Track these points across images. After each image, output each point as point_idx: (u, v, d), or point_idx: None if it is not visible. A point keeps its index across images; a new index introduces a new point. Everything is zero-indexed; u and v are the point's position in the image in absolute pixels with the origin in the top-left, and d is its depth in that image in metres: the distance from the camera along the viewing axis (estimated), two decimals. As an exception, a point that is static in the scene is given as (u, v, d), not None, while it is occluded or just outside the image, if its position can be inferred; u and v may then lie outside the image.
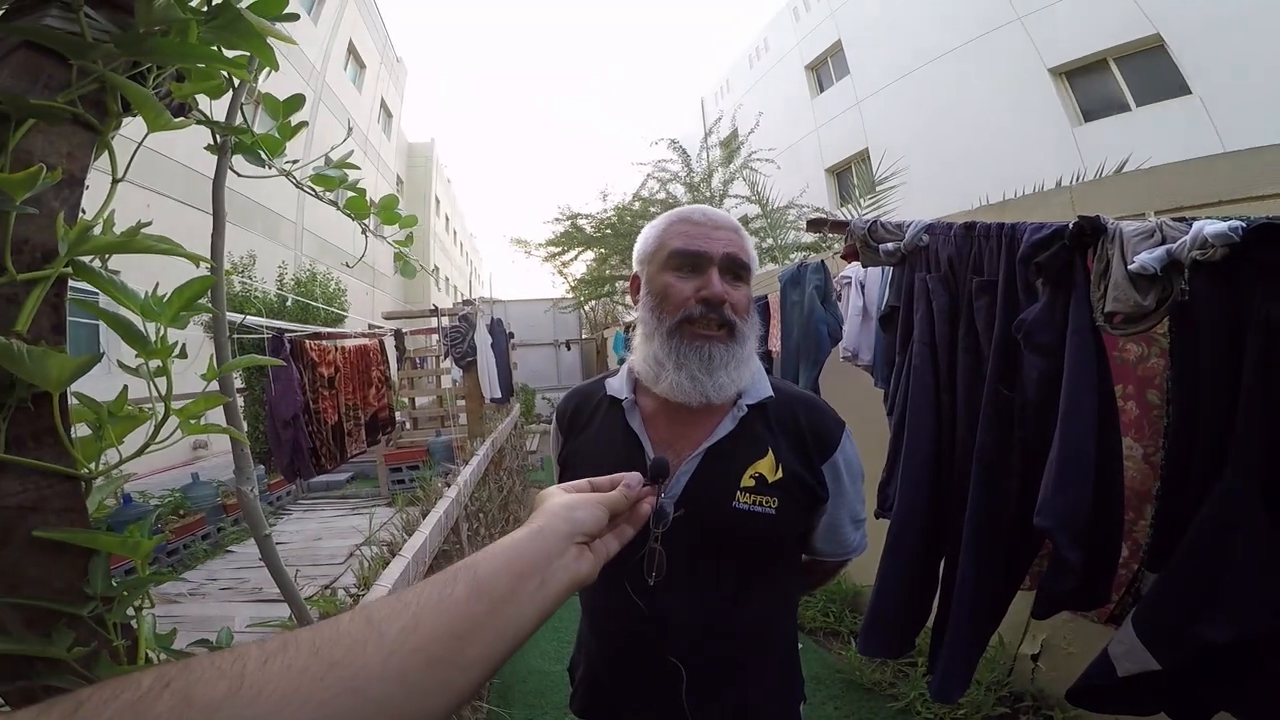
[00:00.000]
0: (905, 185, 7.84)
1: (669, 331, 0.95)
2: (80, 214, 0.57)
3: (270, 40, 0.64)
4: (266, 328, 5.30)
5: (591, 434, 1.07)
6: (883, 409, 1.87)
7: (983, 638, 1.44)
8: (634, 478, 0.63)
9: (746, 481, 0.93)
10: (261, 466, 6.45)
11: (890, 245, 1.62)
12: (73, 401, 0.57)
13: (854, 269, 2.78)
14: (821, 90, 16.12)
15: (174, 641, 0.56)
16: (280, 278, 9.77)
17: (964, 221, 1.49)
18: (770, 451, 0.96)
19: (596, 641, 1.06)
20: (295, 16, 0.68)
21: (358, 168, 1.01)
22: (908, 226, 1.59)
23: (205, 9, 0.56)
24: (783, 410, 1.00)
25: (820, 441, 0.99)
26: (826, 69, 16.04)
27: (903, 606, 1.53)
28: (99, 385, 0.53)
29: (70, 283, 0.56)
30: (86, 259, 0.56)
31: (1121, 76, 9.86)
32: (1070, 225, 1.24)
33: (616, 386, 1.07)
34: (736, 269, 0.97)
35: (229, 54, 0.64)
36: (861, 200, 7.68)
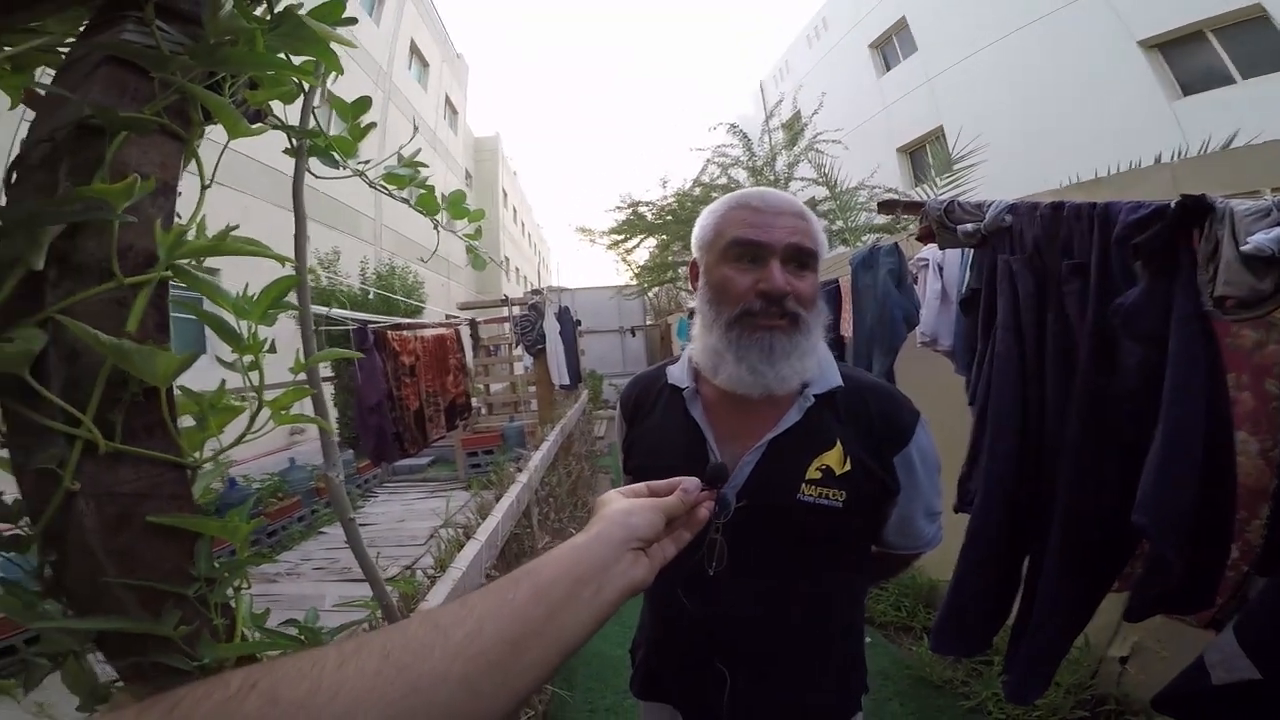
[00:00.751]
0: (985, 164, 7.39)
1: (727, 324, 0.92)
2: (176, 219, 0.61)
3: (338, 43, 0.67)
4: (351, 320, 5.60)
5: (654, 423, 1.07)
6: (965, 397, 1.78)
7: (1066, 640, 1.37)
8: (692, 482, 0.62)
9: (812, 473, 0.91)
10: (350, 451, 6.86)
11: (969, 226, 1.53)
12: (177, 394, 0.62)
13: (931, 250, 2.66)
14: (888, 68, 15.49)
15: (267, 620, 0.60)
16: (363, 272, 10.28)
17: (1051, 201, 1.39)
18: (838, 443, 0.92)
19: (655, 628, 1.07)
20: (354, 20, 0.70)
21: (426, 165, 1.04)
22: (988, 207, 1.50)
23: (269, 18, 0.58)
24: (853, 400, 0.96)
25: (892, 432, 0.95)
26: (891, 47, 15.43)
27: (980, 605, 1.47)
28: (205, 378, 0.57)
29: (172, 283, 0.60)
30: (183, 262, 0.60)
31: (1221, 48, 9.01)
32: (1173, 204, 1.14)
33: (678, 375, 1.05)
34: (801, 258, 0.91)
35: (296, 60, 0.67)
36: (937, 180, 7.29)
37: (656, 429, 1.06)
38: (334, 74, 0.74)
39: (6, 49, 0.67)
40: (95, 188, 0.50)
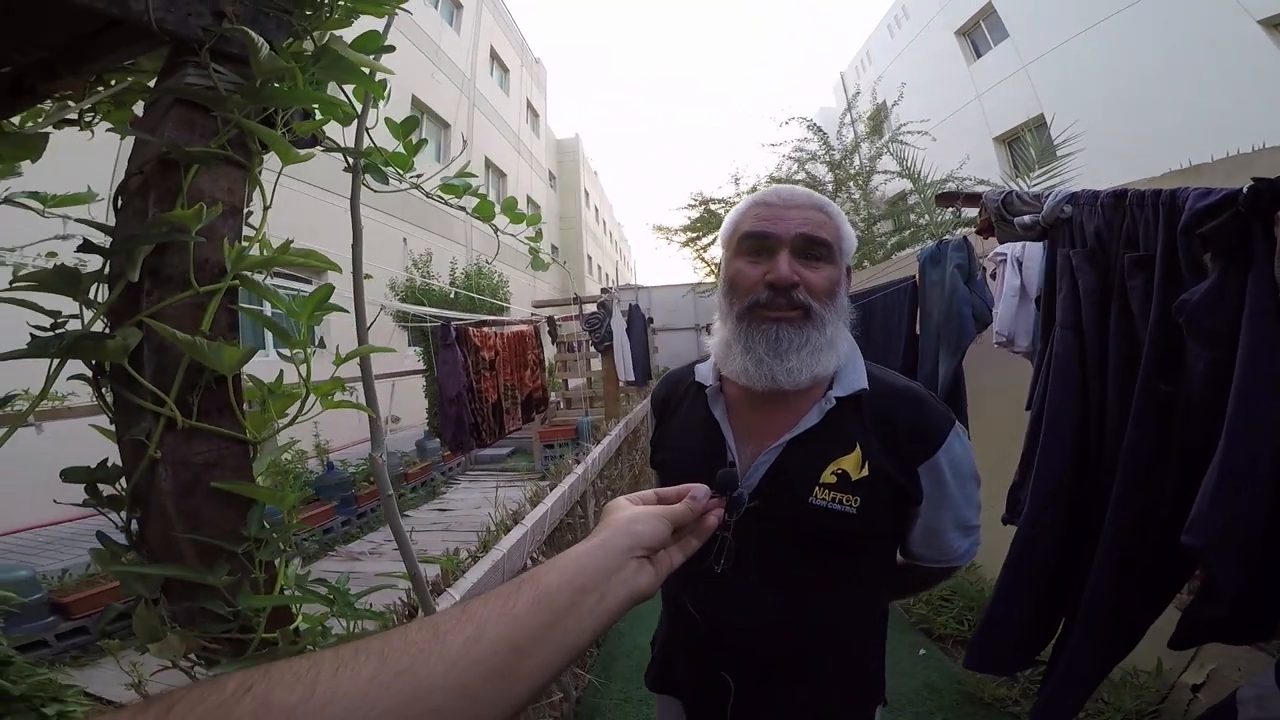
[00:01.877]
0: (1085, 152, 6.85)
1: (738, 316, 0.93)
2: (256, 232, 0.72)
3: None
4: (435, 317, 5.95)
5: (678, 420, 1.09)
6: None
7: (1106, 663, 1.29)
8: (700, 490, 0.63)
9: (827, 477, 0.89)
10: (438, 440, 7.29)
11: (1028, 218, 1.46)
12: (246, 383, 0.73)
13: (1011, 244, 2.52)
14: (978, 56, 14.69)
15: (308, 580, 0.70)
16: (452, 272, 10.80)
17: (1113, 189, 1.31)
18: (858, 447, 0.90)
19: (669, 624, 1.09)
20: (391, 48, 0.78)
21: (475, 175, 1.12)
22: (1047, 197, 1.43)
23: (311, 54, 0.67)
24: (879, 404, 0.93)
25: (919, 440, 0.91)
26: (980, 33, 14.62)
27: (1022, 621, 1.40)
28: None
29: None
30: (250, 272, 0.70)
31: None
32: (1244, 189, 1.05)
33: (704, 373, 1.06)
34: (813, 249, 0.90)
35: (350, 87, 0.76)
36: (1033, 170, 6.82)
37: (680, 426, 1.07)
38: (381, 99, 0.84)
39: (110, 85, 0.82)
40: (175, 214, 0.61)
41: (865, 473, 0.89)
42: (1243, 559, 1.01)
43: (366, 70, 0.74)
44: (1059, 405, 1.39)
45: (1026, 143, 7.57)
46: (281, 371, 0.76)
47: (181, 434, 0.62)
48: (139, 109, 0.81)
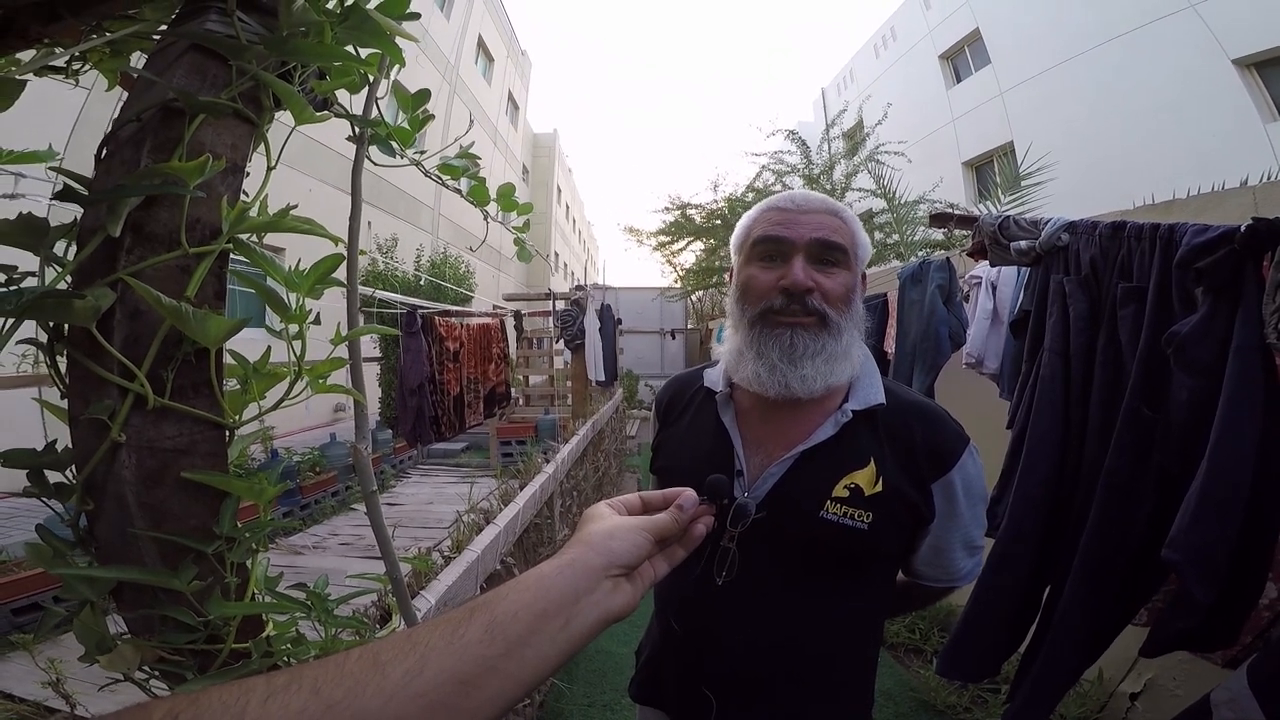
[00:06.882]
0: (1054, 182, 7.10)
1: (750, 322, 0.91)
2: (244, 196, 0.65)
3: (401, 37, 0.70)
4: (401, 303, 5.77)
5: (684, 425, 1.05)
6: (1005, 422, 1.73)
7: (1075, 673, 1.33)
8: (688, 497, 0.59)
9: (839, 491, 0.86)
10: (390, 431, 7.05)
11: (1023, 243, 1.48)
12: (227, 360, 0.65)
13: (985, 268, 2.58)
14: (958, 80, 15.18)
15: (279, 585, 0.63)
16: (418, 259, 10.55)
17: (1112, 220, 1.34)
18: (872, 462, 0.88)
19: (660, 634, 1.04)
20: (417, 15, 0.73)
21: (479, 158, 1.06)
22: (1045, 224, 1.45)
23: (339, 11, 0.62)
24: (895, 419, 0.91)
25: (935, 457, 0.89)
26: (963, 58, 15.12)
27: (995, 630, 1.43)
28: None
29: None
30: (244, 236, 0.64)
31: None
32: (1242, 227, 1.08)
33: (714, 378, 1.03)
34: (828, 254, 0.89)
35: (364, 52, 0.71)
36: (1002, 196, 7.05)
37: (685, 432, 1.04)
38: (398, 65, 0.78)
39: (107, 34, 0.73)
40: (172, 165, 0.54)
41: (879, 488, 0.87)
42: (1215, 574, 1.05)
43: (391, 35, 0.69)
44: (1042, 426, 1.41)
45: (995, 169, 7.82)
46: (269, 348, 0.69)
47: (151, 415, 0.55)
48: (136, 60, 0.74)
